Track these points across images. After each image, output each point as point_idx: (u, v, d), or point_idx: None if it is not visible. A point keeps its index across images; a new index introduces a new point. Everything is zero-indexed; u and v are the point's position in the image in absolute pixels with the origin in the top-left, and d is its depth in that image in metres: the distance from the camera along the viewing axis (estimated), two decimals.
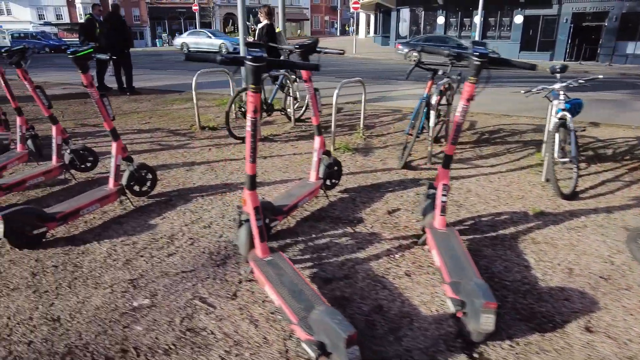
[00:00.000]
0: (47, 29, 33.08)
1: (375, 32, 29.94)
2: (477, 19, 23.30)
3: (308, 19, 46.27)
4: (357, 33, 36.86)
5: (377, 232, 2.86)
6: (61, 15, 39.89)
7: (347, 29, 42.96)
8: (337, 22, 41.17)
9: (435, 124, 4.28)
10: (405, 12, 26.07)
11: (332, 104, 4.72)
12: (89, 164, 3.90)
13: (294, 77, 5.51)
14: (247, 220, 2.24)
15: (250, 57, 1.76)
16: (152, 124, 5.88)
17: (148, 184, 3.37)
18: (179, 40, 24.96)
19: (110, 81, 8.94)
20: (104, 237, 2.74)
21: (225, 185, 3.67)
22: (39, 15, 39.18)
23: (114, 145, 3.06)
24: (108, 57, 2.82)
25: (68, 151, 3.74)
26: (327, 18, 47.53)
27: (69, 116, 6.49)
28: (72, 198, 2.97)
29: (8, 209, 2.52)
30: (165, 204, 3.28)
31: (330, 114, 6.39)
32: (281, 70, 5.37)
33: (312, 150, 3.19)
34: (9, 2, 38.95)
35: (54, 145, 3.63)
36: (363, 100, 5.21)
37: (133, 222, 2.95)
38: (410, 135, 4.09)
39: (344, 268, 2.43)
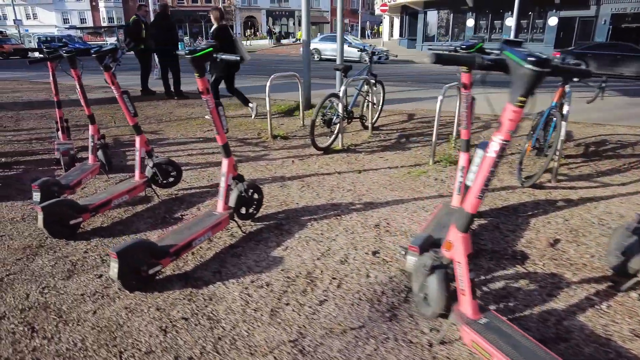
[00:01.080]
0: (72, 32, 33.30)
1: (400, 35, 29.37)
2: (509, 21, 22.67)
3: (328, 22, 45.94)
4: (379, 35, 36.28)
5: (555, 272, 2.32)
6: (85, 19, 40.31)
7: (366, 31, 42.45)
8: (357, 25, 40.60)
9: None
10: (432, 15, 25.49)
11: (429, 111, 4.20)
12: (171, 179, 3.46)
13: (373, 81, 5.02)
14: (443, 267, 1.74)
15: (533, 59, 1.24)
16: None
17: (254, 205, 2.91)
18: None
19: (152, 84, 8.59)
20: (226, 275, 2.26)
21: (333, 206, 3.17)
22: (63, 19, 39.64)
23: (225, 162, 2.59)
24: (237, 58, 2.35)
25: (150, 165, 3.30)
26: (347, 21, 47.01)
27: (120, 122, 6.09)
28: (180, 226, 2.48)
29: (122, 243, 2.07)
30: (277, 229, 2.80)
31: (405, 121, 5.89)
32: (363, 74, 4.89)
33: (457, 168, 2.69)
34: (35, 6, 39.55)
35: (137, 158, 3.18)
36: (458, 106, 4.68)
37: (252, 255, 2.47)
38: (538, 149, 3.56)
39: (549, 324, 1.91)
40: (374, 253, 2.48)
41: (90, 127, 3.65)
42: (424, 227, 2.46)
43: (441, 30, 25.34)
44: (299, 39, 40.57)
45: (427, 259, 1.78)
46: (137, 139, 3.18)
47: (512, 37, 19.35)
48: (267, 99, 4.88)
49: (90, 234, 2.78)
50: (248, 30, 37.95)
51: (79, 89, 3.48)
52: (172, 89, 7.75)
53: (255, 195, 2.88)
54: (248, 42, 33.84)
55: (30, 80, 10.56)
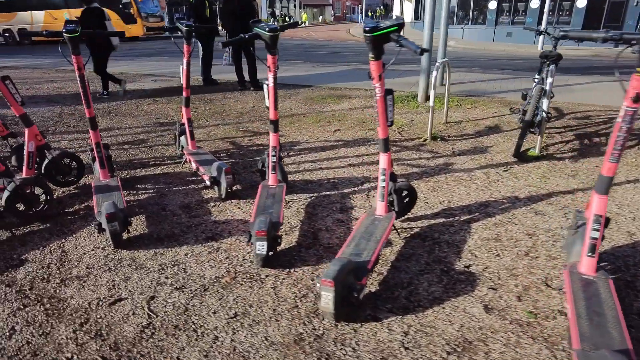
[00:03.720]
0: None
1: (415, 18, 28.17)
2: (534, 3, 21.83)
3: (330, 4, 44.18)
4: (381, 16, 34.76)
5: None
6: None
7: (369, 14, 40.92)
8: (362, 6, 38.88)
9: None
10: None
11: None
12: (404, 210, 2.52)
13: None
14: None
15: None
16: (347, 133, 4.40)
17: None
18: None
19: (216, 72, 7.47)
20: None
21: None
22: None
23: (600, 200, 1.67)
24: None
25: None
26: (348, 3, 45.40)
27: (215, 119, 5.01)
28: (580, 311, 1.55)
29: None
30: None
31: (554, 117, 4.87)
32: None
33: None
34: None
35: (382, 185, 2.20)
36: None
37: None
38: None
39: None
40: None
41: (271, 135, 2.64)
42: None
43: (460, 13, 24.33)
44: (305, 22, 38.90)
45: None
46: (383, 158, 2.21)
47: (544, 21, 18.50)
48: (431, 92, 3.91)
49: (371, 307, 1.85)
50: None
51: (271, 82, 2.45)
52: (246, 78, 6.65)
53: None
54: None
55: (56, 69, 9.20)
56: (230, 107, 5.64)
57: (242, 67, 6.59)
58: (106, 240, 2.38)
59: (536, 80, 4.45)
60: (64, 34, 2.38)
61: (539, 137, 3.65)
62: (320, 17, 41.41)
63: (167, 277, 2.05)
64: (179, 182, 3.20)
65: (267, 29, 2.23)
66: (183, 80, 3.23)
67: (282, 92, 6.56)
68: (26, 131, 2.85)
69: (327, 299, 1.60)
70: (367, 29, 1.81)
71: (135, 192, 3.04)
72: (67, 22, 2.44)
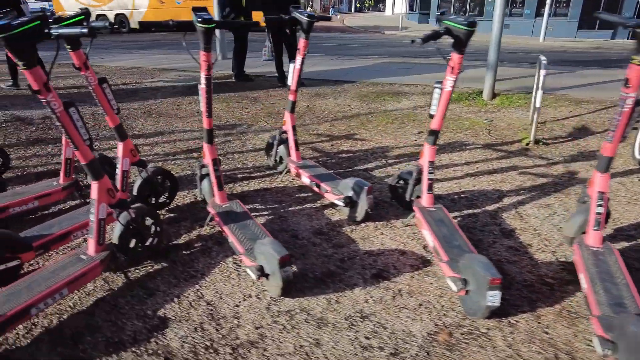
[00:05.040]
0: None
1: (410, 9, 27.80)
2: None
3: None
4: (369, 9, 33.98)
5: None
6: None
7: (358, 5, 40.36)
8: None
9: None
10: None
11: None
12: None
13: None
14: None
15: None
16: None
17: None
18: None
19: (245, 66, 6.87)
20: None
21: None
22: None
23: None
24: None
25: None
26: None
27: (273, 120, 4.51)
28: None
29: None
30: None
31: None
32: None
33: None
34: None
35: (598, 210, 1.86)
36: None
37: None
38: None
39: None
40: None
41: (427, 148, 2.22)
42: None
43: (457, 4, 24.15)
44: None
45: None
46: (602, 179, 1.84)
47: (546, 12, 18.49)
48: (539, 92, 3.56)
49: None
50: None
51: (449, 86, 2.02)
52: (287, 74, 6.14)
53: None
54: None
55: (59, 63, 8.38)
56: (281, 106, 5.15)
57: (283, 62, 6.08)
58: (253, 284, 1.94)
59: None
60: (198, 25, 1.90)
61: None
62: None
63: (367, 338, 1.63)
64: (289, 199, 2.75)
65: (465, 22, 1.81)
66: (293, 82, 2.77)
67: (327, 89, 6.09)
68: (120, 146, 2.35)
69: None
70: (633, 24, 1.44)
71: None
72: (196, 9, 1.95)
